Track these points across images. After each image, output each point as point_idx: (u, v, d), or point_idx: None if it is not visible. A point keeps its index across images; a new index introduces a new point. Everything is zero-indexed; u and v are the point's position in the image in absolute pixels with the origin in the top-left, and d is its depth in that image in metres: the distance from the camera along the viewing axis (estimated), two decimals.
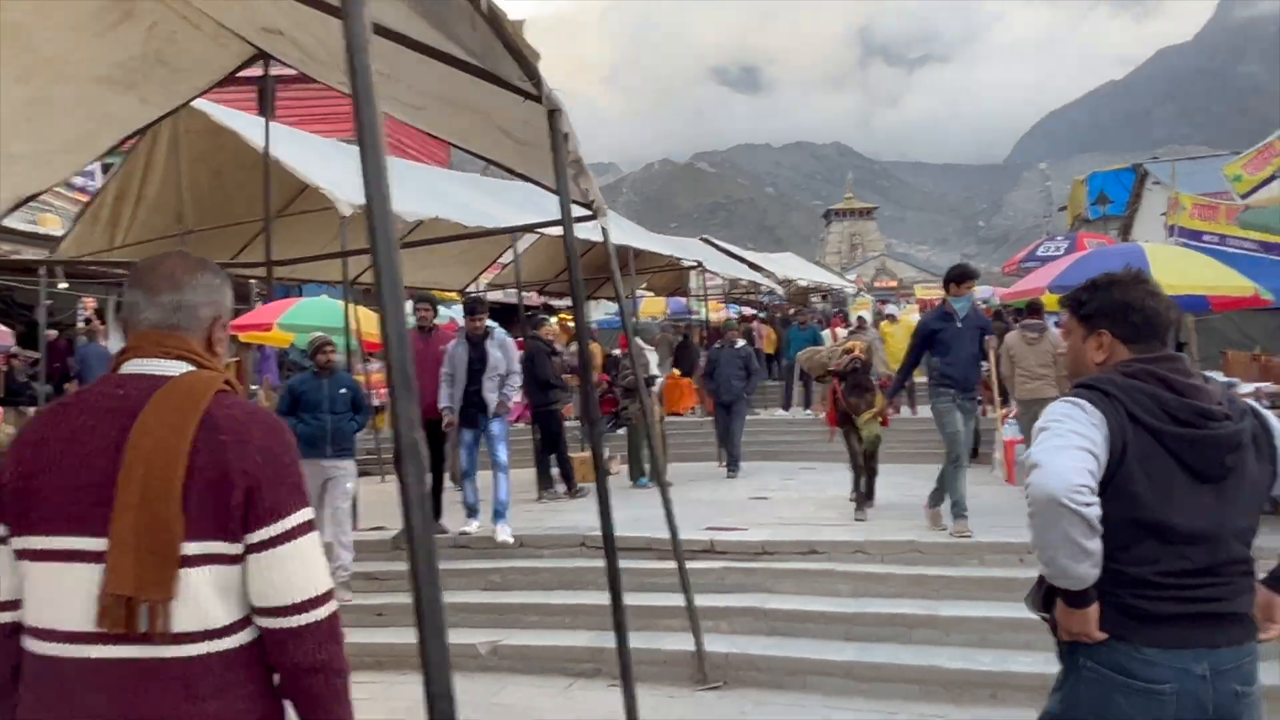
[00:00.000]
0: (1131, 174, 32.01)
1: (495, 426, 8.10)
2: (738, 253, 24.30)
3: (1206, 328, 13.97)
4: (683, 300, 24.32)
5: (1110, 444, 2.11)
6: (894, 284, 62.58)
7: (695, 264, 13.84)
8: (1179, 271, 9.86)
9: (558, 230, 5.29)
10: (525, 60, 3.21)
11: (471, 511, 8.04)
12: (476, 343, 8.14)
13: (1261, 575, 2.29)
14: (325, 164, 9.59)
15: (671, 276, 21.57)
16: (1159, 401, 2.16)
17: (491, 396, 8.02)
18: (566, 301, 26.93)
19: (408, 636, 6.53)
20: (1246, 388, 7.19)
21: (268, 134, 8.38)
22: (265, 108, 8.80)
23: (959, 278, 7.58)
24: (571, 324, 30.26)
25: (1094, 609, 2.15)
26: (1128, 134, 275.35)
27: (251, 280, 13.76)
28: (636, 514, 8.14)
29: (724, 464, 12.06)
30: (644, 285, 23.58)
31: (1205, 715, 2.13)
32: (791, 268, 27.21)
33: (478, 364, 8.05)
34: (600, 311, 31.49)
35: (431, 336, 8.52)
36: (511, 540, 7.67)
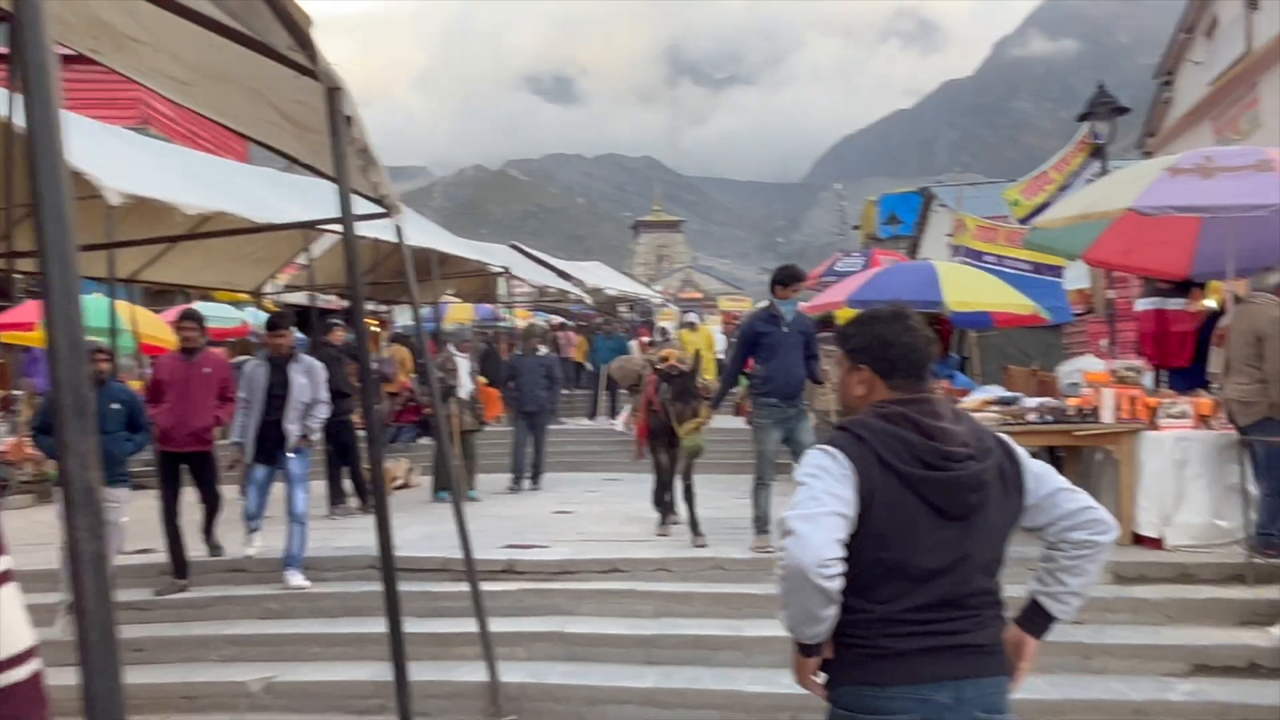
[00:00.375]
0: (918, 197, 33.92)
1: (295, 465, 7.00)
2: (547, 260, 24.00)
3: (987, 343, 14.73)
4: (491, 307, 23.83)
5: (859, 491, 2.19)
6: (699, 295, 64.02)
7: (502, 270, 13.43)
8: (968, 289, 10.29)
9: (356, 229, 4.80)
10: (295, 25, 2.78)
11: (254, 526, 7.23)
12: (279, 365, 7.13)
13: (1013, 613, 2.38)
14: (96, 148, 8.63)
15: (479, 283, 20.99)
16: (907, 445, 2.24)
17: (293, 429, 6.99)
18: (375, 306, 25.87)
19: (172, 675, 5.91)
20: (1030, 402, 7.45)
21: (11, 108, 7.40)
22: (14, 77, 7.78)
23: (787, 279, 7.24)
24: (376, 329, 29.03)
25: (815, 663, 2.28)
26: (914, 160, 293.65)
27: (15, 275, 12.39)
28: (431, 531, 7.70)
29: (519, 478, 11.60)
30: (451, 291, 22.88)
31: None
32: (600, 277, 27.16)
33: (279, 389, 7.04)
34: (408, 317, 30.51)
35: (195, 359, 7.37)
36: (306, 584, 6.83)
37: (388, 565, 3.95)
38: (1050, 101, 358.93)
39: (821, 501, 2.16)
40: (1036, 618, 2.37)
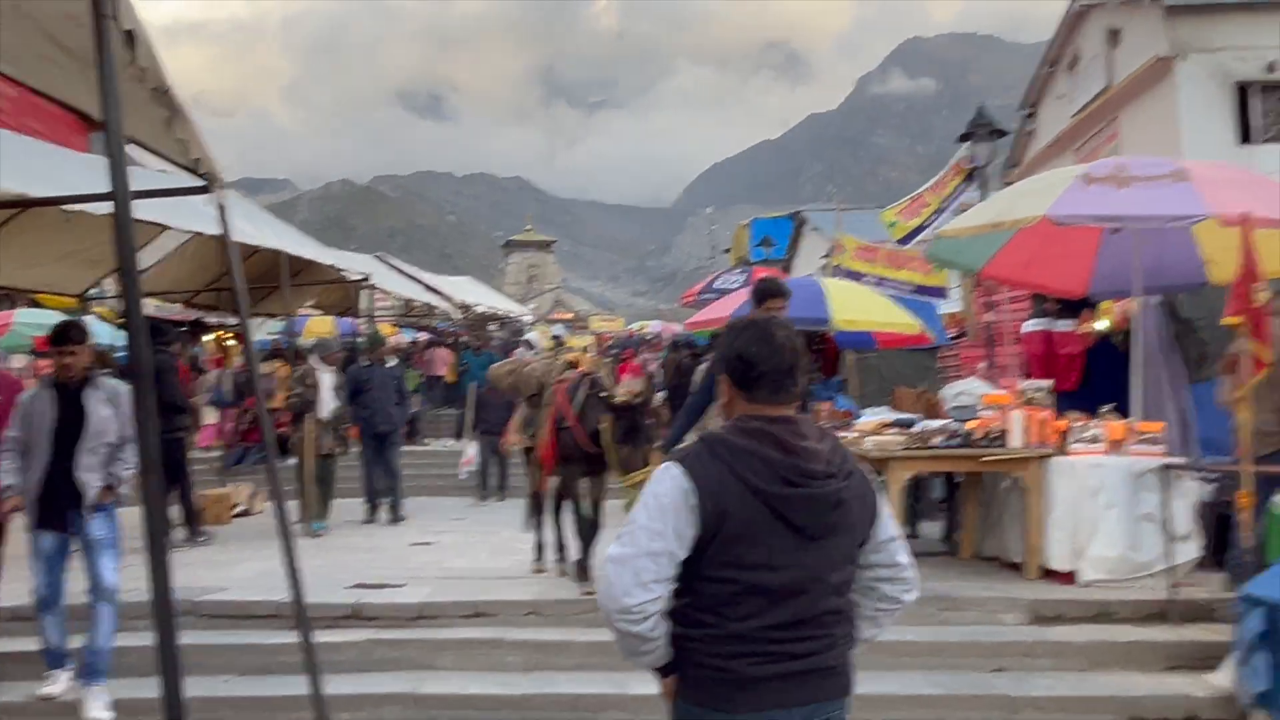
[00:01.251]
0: (789, 222, 34.20)
1: (97, 527, 5.15)
2: (413, 273, 22.84)
3: (864, 365, 14.45)
4: (353, 321, 22.52)
5: (704, 513, 2.15)
6: (570, 316, 63.54)
7: (362, 277, 12.40)
8: (854, 308, 9.86)
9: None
10: None
11: (56, 659, 5.29)
12: (70, 393, 5.19)
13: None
14: None
15: (340, 294, 19.68)
16: (768, 463, 2.20)
17: (92, 478, 5.12)
18: (226, 318, 24.16)
19: None
20: (932, 424, 6.99)
21: None
22: None
23: (767, 293, 5.89)
24: (230, 343, 27.13)
25: (670, 682, 2.26)
26: (780, 188, 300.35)
27: None
28: (268, 568, 6.66)
29: (375, 506, 10.45)
30: (310, 303, 21.49)
31: None
32: (470, 292, 26.11)
33: (70, 426, 5.14)
34: (262, 331, 28.70)
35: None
36: (108, 716, 5.05)
37: (162, 612, 2.91)
38: (909, 137, 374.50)
39: (637, 541, 2.16)
40: None
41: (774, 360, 2.27)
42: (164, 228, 9.74)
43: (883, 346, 11.75)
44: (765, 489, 2.17)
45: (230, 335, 26.81)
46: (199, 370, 19.15)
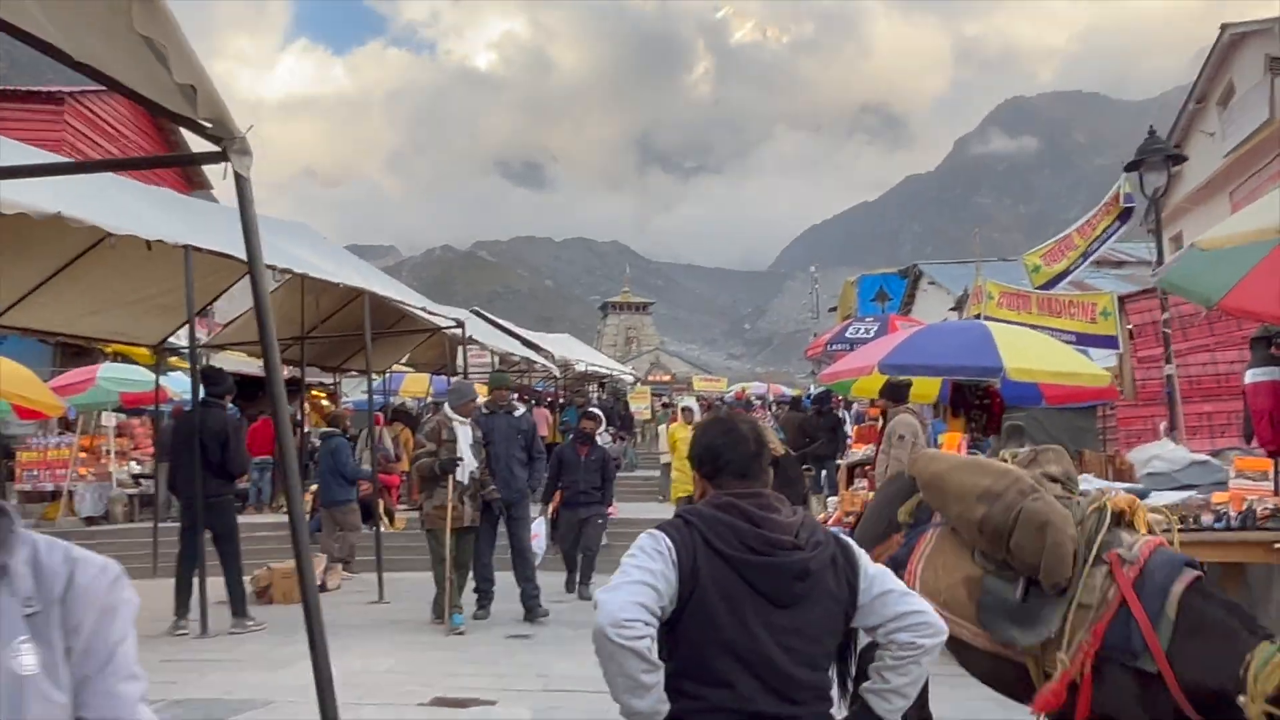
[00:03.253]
0: (895, 278, 32.46)
1: None
2: (510, 327, 21.86)
3: (1009, 425, 12.65)
4: (448, 380, 21.63)
5: (680, 569, 2.25)
6: (668, 378, 62.56)
7: (454, 324, 11.28)
8: (1027, 355, 8.31)
9: None
10: None
11: None
12: None
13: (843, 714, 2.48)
14: None
15: (436, 351, 18.86)
16: (735, 531, 2.31)
17: None
18: (321, 377, 23.56)
19: None
20: (1170, 497, 5.38)
21: None
22: None
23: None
24: (326, 403, 26.45)
25: None
26: (878, 250, 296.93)
27: None
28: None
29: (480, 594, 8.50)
30: (403, 358, 20.64)
31: None
32: (569, 349, 25.03)
33: None
34: (358, 390, 28.07)
35: None
36: None
37: None
38: (1010, 197, 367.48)
39: (628, 574, 2.23)
40: (863, 715, 2.41)
41: (738, 450, 2.44)
42: (240, 262, 8.74)
43: (1050, 402, 10.07)
44: (732, 554, 2.27)
45: (324, 394, 26.26)
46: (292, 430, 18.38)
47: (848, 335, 13.38)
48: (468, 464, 7.79)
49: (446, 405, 8.22)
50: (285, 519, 13.27)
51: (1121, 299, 12.36)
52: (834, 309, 42.94)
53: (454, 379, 21.54)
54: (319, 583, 9.36)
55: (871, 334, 12.63)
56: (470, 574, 8.11)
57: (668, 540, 2.27)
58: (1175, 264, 6.04)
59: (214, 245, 7.34)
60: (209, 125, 2.67)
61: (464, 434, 7.86)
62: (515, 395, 9.97)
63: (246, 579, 8.67)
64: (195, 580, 7.06)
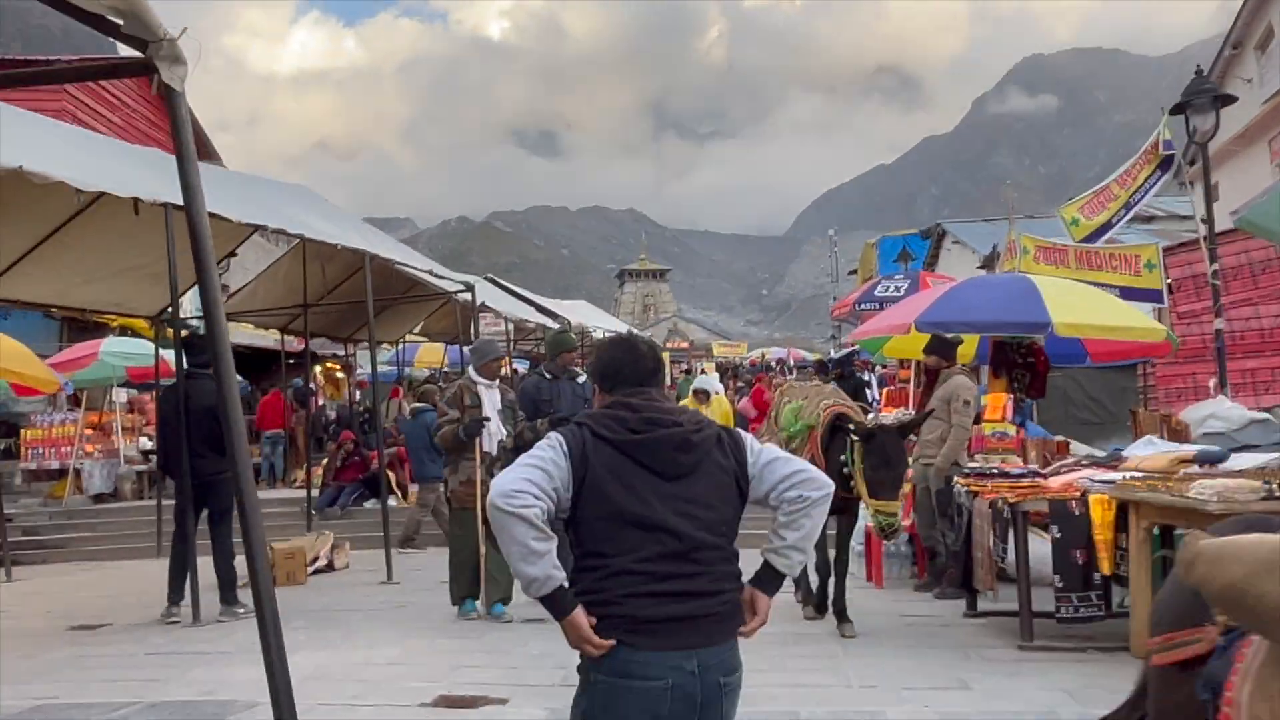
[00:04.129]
0: (916, 239, 31.71)
1: None
2: (523, 293, 21.33)
3: (1049, 386, 12.07)
4: (462, 350, 21.14)
5: (571, 457, 2.39)
6: (686, 345, 61.98)
7: (463, 288, 10.72)
8: (1080, 308, 7.72)
9: None
10: None
11: None
12: None
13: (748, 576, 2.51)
14: None
15: (449, 322, 18.34)
16: (619, 420, 2.46)
17: None
18: (334, 349, 23.11)
19: None
20: (1250, 459, 4.83)
21: None
22: None
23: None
24: (340, 375, 25.90)
25: (581, 617, 2.33)
26: (896, 213, 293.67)
27: None
28: (330, 661, 4.85)
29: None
30: (416, 328, 20.16)
31: (694, 705, 2.34)
32: (586, 315, 24.50)
33: None
34: (367, 362, 27.61)
35: None
36: None
37: None
38: (1029, 157, 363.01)
39: (518, 463, 2.39)
40: (766, 575, 2.53)
41: (637, 366, 2.61)
42: (251, 228, 8.23)
43: (1096, 360, 9.49)
44: (614, 438, 2.42)
45: (338, 366, 25.82)
46: (300, 402, 17.93)
47: (876, 294, 12.80)
48: (495, 431, 6.96)
49: (470, 368, 7.38)
50: (299, 494, 12.83)
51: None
52: (854, 271, 42.24)
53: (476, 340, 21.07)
54: (326, 562, 8.93)
55: (902, 292, 12.04)
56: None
57: (559, 437, 2.44)
58: (1259, 202, 5.46)
59: (210, 206, 6.82)
60: (120, 23, 2.15)
61: (490, 398, 7.04)
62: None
63: (243, 557, 8.28)
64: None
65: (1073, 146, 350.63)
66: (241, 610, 6.50)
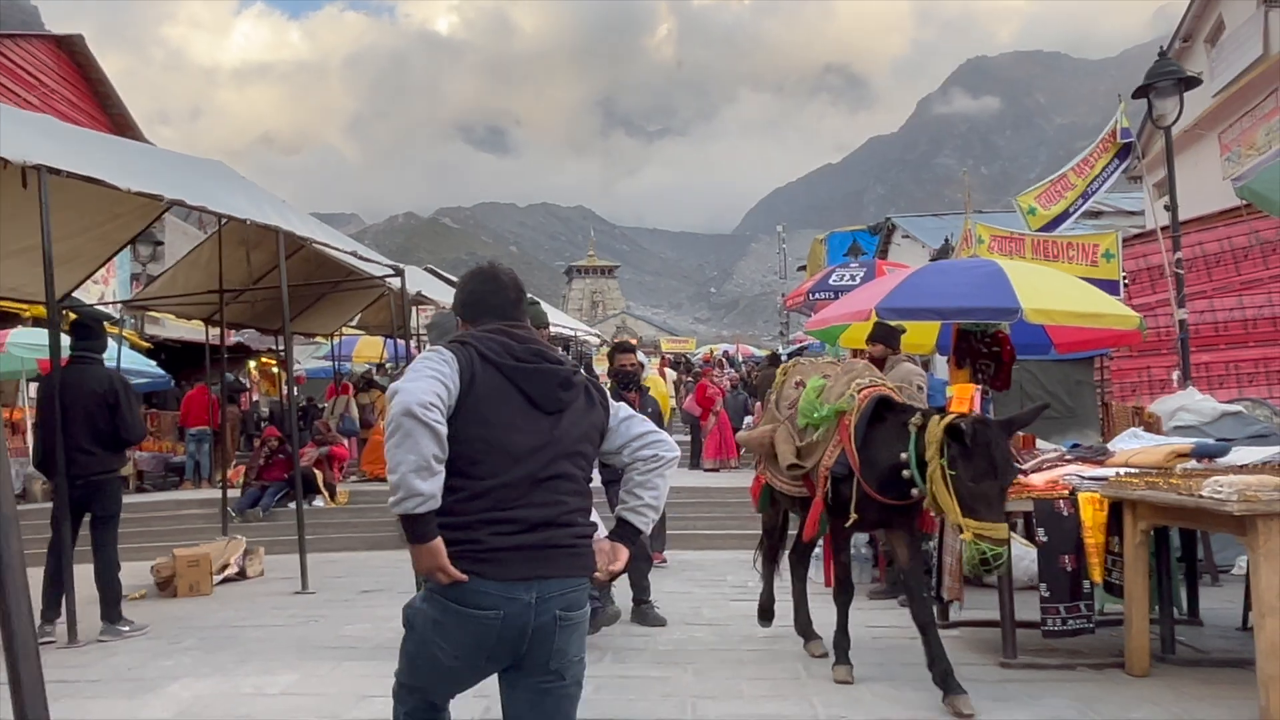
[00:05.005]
0: (866, 234, 31.59)
1: None
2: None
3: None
4: (403, 344, 20.28)
5: (461, 375, 2.40)
6: (634, 341, 61.59)
7: (392, 271, 9.98)
8: (1050, 293, 7.25)
9: None
10: None
11: None
12: None
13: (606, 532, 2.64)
14: None
15: (388, 314, 17.53)
16: (505, 347, 2.51)
17: None
18: (269, 344, 22.11)
19: None
20: (1253, 453, 4.35)
21: None
22: None
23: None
24: (276, 371, 24.86)
25: (439, 544, 2.33)
26: (842, 211, 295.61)
27: None
28: (221, 689, 4.16)
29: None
30: (353, 321, 19.31)
31: (523, 635, 2.39)
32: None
33: None
34: (311, 358, 26.59)
35: None
36: None
37: None
38: (973, 158, 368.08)
39: (420, 372, 2.37)
40: (624, 531, 2.64)
41: (500, 296, 2.65)
42: (158, 201, 7.42)
43: (1062, 351, 9.05)
44: (500, 361, 2.47)
45: (274, 361, 24.78)
46: (232, 400, 17.03)
47: (831, 283, 12.33)
48: None
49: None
50: (217, 495, 11.94)
51: None
52: (803, 268, 42.02)
53: (433, 313, 20.22)
54: (238, 570, 8.17)
55: (858, 280, 11.58)
56: None
57: (448, 352, 2.45)
58: (1263, 169, 5.00)
59: (89, 170, 6.06)
60: None
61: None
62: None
63: (149, 565, 7.48)
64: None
65: (1014, 148, 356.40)
66: (126, 629, 5.77)
